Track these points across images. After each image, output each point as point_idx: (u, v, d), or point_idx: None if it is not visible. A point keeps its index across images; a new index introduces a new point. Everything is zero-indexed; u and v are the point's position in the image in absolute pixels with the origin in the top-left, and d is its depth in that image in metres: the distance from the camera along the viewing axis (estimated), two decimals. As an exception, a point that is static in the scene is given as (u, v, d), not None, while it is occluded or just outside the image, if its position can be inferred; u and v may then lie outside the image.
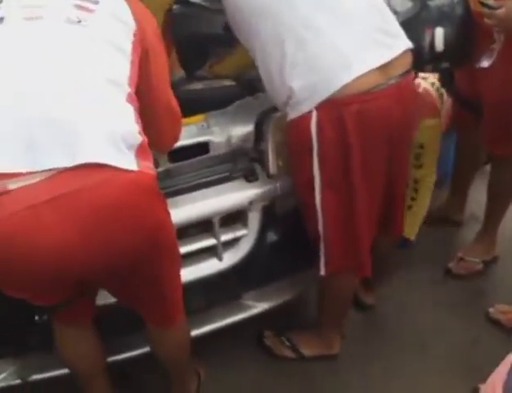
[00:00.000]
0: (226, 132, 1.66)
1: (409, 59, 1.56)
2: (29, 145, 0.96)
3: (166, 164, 1.60)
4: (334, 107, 1.44)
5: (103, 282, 1.24)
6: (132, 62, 1.15)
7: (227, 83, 1.91)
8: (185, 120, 1.65)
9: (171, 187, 1.61)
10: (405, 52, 1.53)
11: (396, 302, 2.18)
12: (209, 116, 1.70)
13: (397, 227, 1.81)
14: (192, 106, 1.75)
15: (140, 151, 1.06)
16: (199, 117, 1.69)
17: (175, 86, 1.86)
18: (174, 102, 1.38)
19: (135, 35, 1.19)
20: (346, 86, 1.42)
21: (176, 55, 1.89)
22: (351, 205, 1.55)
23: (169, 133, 1.44)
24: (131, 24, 1.20)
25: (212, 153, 1.66)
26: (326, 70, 1.44)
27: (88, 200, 0.97)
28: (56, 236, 0.96)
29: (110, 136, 1.01)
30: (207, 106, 1.75)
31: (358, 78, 1.42)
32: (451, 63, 1.93)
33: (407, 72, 1.54)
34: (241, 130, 1.68)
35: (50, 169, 0.95)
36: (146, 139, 1.10)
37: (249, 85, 1.87)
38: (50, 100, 0.99)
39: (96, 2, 1.18)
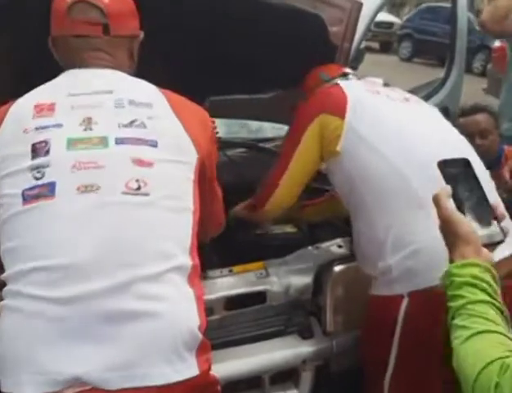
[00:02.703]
0: (285, 282, 1.64)
1: None
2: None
3: (221, 312, 1.57)
4: (431, 299, 1.30)
5: None
6: (194, 214, 1.13)
7: (289, 229, 1.91)
8: (244, 267, 1.66)
9: (223, 337, 1.57)
10: None
11: None
12: (268, 264, 1.68)
13: None
14: (252, 251, 1.76)
15: (199, 350, 1.05)
16: (258, 264, 1.68)
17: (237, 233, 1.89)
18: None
19: (195, 170, 1.16)
20: None
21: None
22: None
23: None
24: (192, 155, 1.16)
25: (268, 303, 1.63)
26: (433, 258, 1.30)
27: None
28: None
29: (174, 347, 1.00)
30: (266, 252, 1.75)
31: None
32: None
33: None
34: (300, 281, 1.65)
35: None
36: (203, 335, 1.07)
37: (310, 234, 1.86)
38: (106, 296, 0.99)
39: (155, 145, 1.12)
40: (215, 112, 2.19)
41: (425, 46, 12.58)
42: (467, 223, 0.93)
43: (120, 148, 1.10)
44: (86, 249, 1.00)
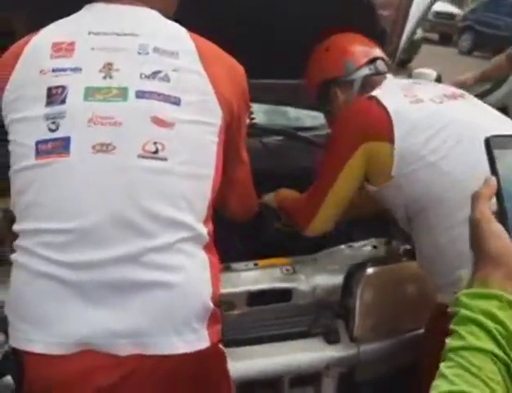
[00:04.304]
0: (313, 280, 1.54)
1: None
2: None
3: (243, 308, 1.49)
4: None
5: None
6: (214, 180, 1.07)
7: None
8: (270, 261, 1.58)
9: (244, 333, 1.49)
10: None
11: None
12: (296, 261, 1.59)
13: None
14: (281, 247, 1.67)
15: (210, 320, 1.04)
16: (285, 260, 1.59)
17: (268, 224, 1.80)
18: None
19: (220, 133, 1.07)
20: None
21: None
22: None
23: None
24: (217, 116, 1.06)
25: (294, 301, 1.53)
26: None
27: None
28: None
29: (185, 318, 1.00)
30: (296, 248, 1.65)
31: None
32: None
33: None
34: (329, 281, 1.55)
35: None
36: (215, 304, 1.06)
37: (343, 232, 1.75)
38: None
39: (177, 103, 1.02)
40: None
41: (486, 39, 12.03)
42: (504, 238, 0.69)
43: (140, 103, 1.01)
44: (99, 215, 0.97)
